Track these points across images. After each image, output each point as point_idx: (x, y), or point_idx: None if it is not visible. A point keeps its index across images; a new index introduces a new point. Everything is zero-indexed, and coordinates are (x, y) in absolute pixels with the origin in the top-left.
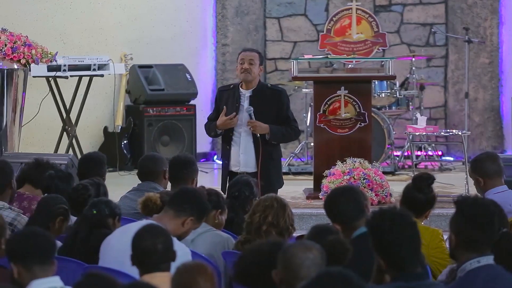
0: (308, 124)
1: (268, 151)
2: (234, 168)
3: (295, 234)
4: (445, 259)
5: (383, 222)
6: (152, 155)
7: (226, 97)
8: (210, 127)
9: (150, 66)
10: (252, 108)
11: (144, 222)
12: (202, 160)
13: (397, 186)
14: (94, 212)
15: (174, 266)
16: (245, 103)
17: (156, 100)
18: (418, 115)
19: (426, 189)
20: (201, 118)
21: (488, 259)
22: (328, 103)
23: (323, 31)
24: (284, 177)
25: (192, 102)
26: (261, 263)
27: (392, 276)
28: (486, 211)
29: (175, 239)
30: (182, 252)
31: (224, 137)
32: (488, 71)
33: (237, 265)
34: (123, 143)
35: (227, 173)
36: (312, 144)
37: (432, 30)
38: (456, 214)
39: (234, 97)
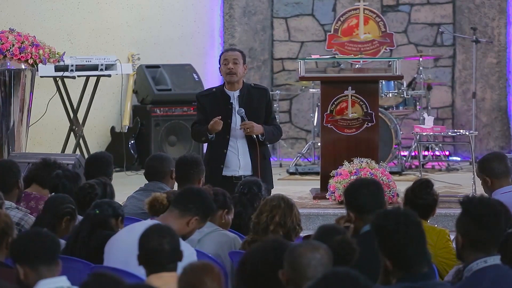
0: (315, 124)
1: (261, 152)
2: (232, 172)
3: (302, 234)
4: (451, 259)
5: (388, 222)
6: (159, 155)
7: (211, 101)
8: (200, 132)
9: (157, 66)
10: (243, 110)
11: (149, 222)
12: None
13: (404, 186)
14: (97, 212)
15: (180, 266)
16: (236, 104)
17: (163, 100)
18: (425, 115)
19: (425, 196)
20: None
21: (495, 259)
22: (335, 103)
23: (330, 31)
24: (291, 177)
25: None
26: (265, 263)
27: (397, 277)
28: (493, 211)
29: (181, 239)
30: (188, 253)
31: (218, 142)
32: (495, 71)
33: (240, 266)
34: (130, 143)
35: (221, 178)
36: (319, 144)
37: (440, 30)
38: (462, 214)
39: (223, 99)
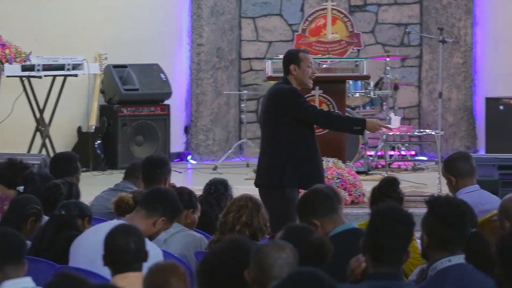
0: None
1: None
2: None
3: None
4: (416, 259)
5: (382, 218)
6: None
7: None
8: (355, 121)
9: (124, 66)
10: None
11: (115, 222)
12: (176, 160)
13: (370, 186)
14: (63, 212)
15: (146, 266)
16: None
17: (130, 100)
18: (392, 115)
19: (392, 194)
20: (175, 118)
21: (459, 258)
22: None
23: (298, 31)
24: None
25: (166, 102)
26: (226, 263)
27: (370, 272)
28: (458, 210)
29: (146, 240)
30: (154, 253)
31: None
32: (462, 71)
33: (202, 266)
34: (96, 143)
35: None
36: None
37: (407, 30)
38: (428, 214)
39: None
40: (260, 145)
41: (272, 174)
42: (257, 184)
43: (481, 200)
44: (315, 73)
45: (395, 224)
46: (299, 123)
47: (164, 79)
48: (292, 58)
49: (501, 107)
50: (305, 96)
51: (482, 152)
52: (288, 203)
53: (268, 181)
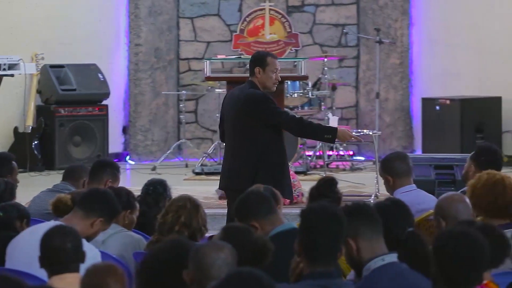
0: None
1: None
2: None
3: (207, 235)
4: None
5: (314, 217)
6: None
7: None
8: (325, 129)
9: (62, 66)
10: None
11: (52, 223)
12: (114, 160)
13: (309, 186)
14: (1, 214)
15: (83, 267)
16: None
17: (67, 100)
18: (330, 115)
19: (330, 194)
20: (113, 118)
21: (392, 257)
22: None
23: (236, 31)
24: (197, 177)
25: (104, 102)
26: (166, 264)
27: (305, 272)
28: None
29: (84, 240)
30: (92, 254)
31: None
32: (398, 71)
33: (141, 266)
34: (33, 143)
35: None
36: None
37: (344, 30)
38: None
39: None
40: (228, 147)
41: (244, 178)
42: (225, 187)
43: (418, 200)
44: (278, 80)
45: (327, 222)
46: (270, 129)
47: (102, 79)
48: (258, 61)
49: (437, 107)
50: None
51: (418, 152)
52: None
53: (239, 184)
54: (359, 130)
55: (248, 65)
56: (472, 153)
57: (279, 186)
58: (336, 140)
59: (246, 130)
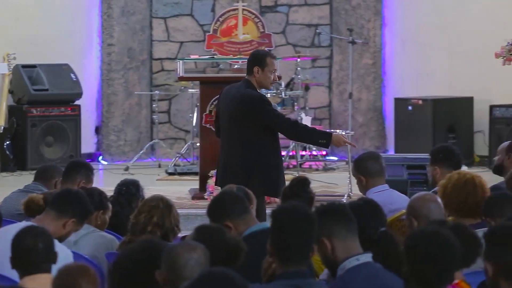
0: (194, 124)
1: None
2: None
3: (180, 235)
4: None
5: (285, 217)
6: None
7: None
8: (320, 134)
9: (34, 66)
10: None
11: (24, 223)
12: (87, 160)
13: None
14: None
15: (55, 268)
16: None
17: (40, 100)
18: (303, 115)
19: (303, 194)
20: (86, 118)
21: (366, 257)
22: (214, 103)
23: (209, 32)
24: (170, 177)
25: (77, 102)
26: (138, 264)
27: (278, 273)
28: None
29: (56, 241)
30: (64, 254)
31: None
32: (371, 71)
33: (114, 266)
34: (5, 144)
35: None
36: (198, 144)
37: (317, 31)
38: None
39: None
40: (224, 146)
41: (239, 178)
42: (221, 185)
43: (390, 200)
44: (276, 80)
45: (298, 221)
46: (266, 130)
47: (75, 79)
48: (258, 60)
49: (410, 108)
50: (217, 97)
51: (391, 152)
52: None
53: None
54: (332, 130)
55: (219, 65)
56: (429, 158)
57: (275, 187)
58: (330, 145)
59: (242, 130)
